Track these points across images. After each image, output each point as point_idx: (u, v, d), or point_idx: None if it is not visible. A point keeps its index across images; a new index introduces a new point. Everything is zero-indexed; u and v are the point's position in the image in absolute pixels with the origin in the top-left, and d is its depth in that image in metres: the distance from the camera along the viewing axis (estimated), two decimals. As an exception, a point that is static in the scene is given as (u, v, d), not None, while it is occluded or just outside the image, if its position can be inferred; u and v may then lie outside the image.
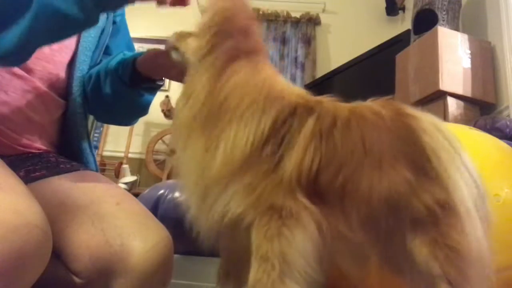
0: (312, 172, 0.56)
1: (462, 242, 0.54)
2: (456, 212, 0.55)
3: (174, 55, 0.74)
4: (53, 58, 0.91)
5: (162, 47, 0.82)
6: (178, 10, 0.78)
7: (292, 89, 0.65)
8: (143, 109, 1.01)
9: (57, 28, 0.69)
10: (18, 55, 0.71)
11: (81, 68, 0.96)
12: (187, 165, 0.63)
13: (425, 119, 0.61)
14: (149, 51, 0.89)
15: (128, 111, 1.01)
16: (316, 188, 0.57)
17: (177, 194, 1.26)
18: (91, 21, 0.72)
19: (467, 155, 0.61)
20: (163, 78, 0.93)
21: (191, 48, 0.68)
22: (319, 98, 0.65)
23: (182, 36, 0.72)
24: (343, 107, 0.62)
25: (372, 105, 0.64)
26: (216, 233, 0.62)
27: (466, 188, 0.57)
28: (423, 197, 0.56)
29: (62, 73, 0.94)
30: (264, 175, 0.56)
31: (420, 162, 0.57)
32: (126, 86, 0.90)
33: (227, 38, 0.64)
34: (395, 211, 0.57)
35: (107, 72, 0.93)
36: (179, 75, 0.83)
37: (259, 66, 0.65)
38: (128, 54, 0.95)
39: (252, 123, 0.58)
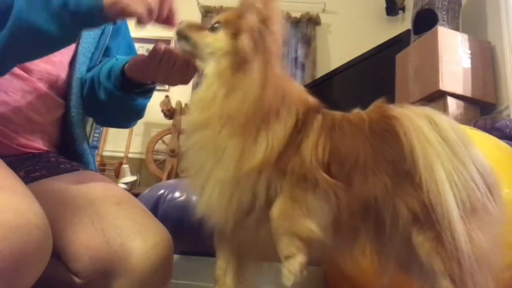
0: (325, 159, 0.62)
1: (450, 238, 0.55)
2: (435, 210, 0.56)
3: (183, 44, 0.73)
4: (53, 59, 0.91)
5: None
6: (173, 17, 0.77)
7: (300, 90, 0.72)
8: (138, 113, 1.00)
9: (35, 45, 0.69)
10: None
11: (81, 69, 0.96)
12: (218, 159, 0.65)
13: (408, 117, 0.63)
14: (135, 57, 0.88)
15: (123, 115, 1.01)
16: (329, 171, 0.62)
17: (177, 194, 1.26)
18: (70, 39, 0.72)
19: (467, 145, 0.61)
20: (155, 82, 0.92)
21: (208, 42, 0.70)
22: (320, 104, 0.71)
23: (192, 26, 0.73)
24: (337, 113, 0.69)
25: (358, 112, 0.68)
26: (231, 225, 0.65)
27: (448, 182, 0.57)
28: (409, 201, 0.59)
29: (62, 74, 0.94)
30: (288, 159, 0.62)
31: (401, 163, 0.60)
32: (118, 93, 0.90)
33: (266, 40, 0.66)
34: (380, 212, 0.61)
35: (100, 79, 0.93)
36: (166, 79, 0.84)
37: (282, 73, 0.70)
38: (120, 59, 0.94)
39: (283, 122, 0.65)
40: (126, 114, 1.00)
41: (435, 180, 0.57)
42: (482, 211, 0.58)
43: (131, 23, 1.16)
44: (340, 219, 0.62)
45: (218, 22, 0.71)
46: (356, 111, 0.70)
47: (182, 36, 0.73)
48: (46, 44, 0.71)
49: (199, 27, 0.73)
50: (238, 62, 0.66)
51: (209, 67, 0.69)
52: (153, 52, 0.81)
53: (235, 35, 0.68)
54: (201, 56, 0.72)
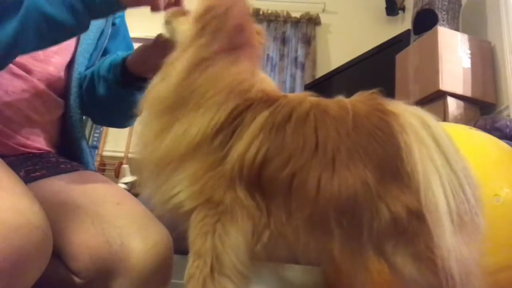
0: (256, 164, 0.55)
1: (436, 252, 0.51)
2: (428, 220, 0.51)
3: (166, 29, 0.73)
4: (52, 59, 0.91)
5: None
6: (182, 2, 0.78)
7: (264, 85, 0.63)
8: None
9: (47, 33, 0.69)
10: (4, 58, 0.71)
11: (79, 69, 0.96)
12: (144, 141, 0.62)
13: (408, 115, 0.57)
14: (137, 47, 0.88)
15: (122, 112, 0.99)
16: (259, 181, 0.56)
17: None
18: (82, 27, 0.72)
19: (457, 152, 0.56)
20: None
21: (181, 28, 0.67)
22: (293, 94, 0.64)
23: (177, 12, 0.71)
24: (308, 102, 0.60)
25: (346, 100, 0.61)
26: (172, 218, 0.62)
27: (442, 191, 0.52)
28: (391, 204, 0.53)
29: (62, 74, 0.94)
30: (211, 166, 0.56)
31: (392, 164, 0.53)
32: (118, 87, 0.90)
33: (218, 30, 0.61)
34: (354, 215, 0.54)
35: (100, 72, 0.92)
36: None
37: (238, 61, 0.62)
38: (120, 54, 0.94)
39: (208, 114, 0.57)
40: (124, 111, 0.98)
41: (431, 187, 0.52)
42: (470, 226, 0.53)
43: (130, 24, 1.17)
44: (276, 240, 0.56)
45: None
46: (340, 98, 0.62)
47: (167, 22, 0.72)
48: (60, 32, 0.70)
49: (183, 13, 0.71)
50: (182, 51, 0.63)
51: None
52: (157, 40, 0.80)
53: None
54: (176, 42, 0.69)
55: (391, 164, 0.54)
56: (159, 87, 0.62)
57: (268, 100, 0.59)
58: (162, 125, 0.59)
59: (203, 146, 0.56)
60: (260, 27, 0.74)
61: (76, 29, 0.72)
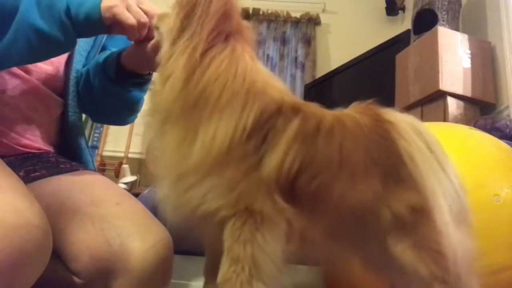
0: (291, 174, 0.56)
1: (442, 243, 0.55)
2: (432, 216, 0.55)
3: (156, 35, 0.72)
4: (52, 59, 0.91)
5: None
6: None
7: (272, 82, 0.63)
8: (134, 106, 0.99)
9: (38, 48, 0.70)
10: None
11: (77, 68, 0.96)
12: (163, 151, 0.61)
13: (403, 123, 0.61)
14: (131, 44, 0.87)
15: (118, 108, 0.99)
16: (292, 190, 0.57)
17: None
18: (70, 43, 0.74)
19: (448, 159, 0.61)
20: (151, 73, 0.92)
21: (166, 29, 0.66)
22: (302, 101, 0.64)
23: (164, 15, 0.70)
24: (328, 113, 0.62)
25: (352, 112, 0.63)
26: (187, 223, 0.62)
27: (441, 191, 0.57)
28: (394, 205, 0.56)
29: (60, 73, 0.94)
30: (246, 172, 0.56)
31: (395, 168, 0.58)
32: (112, 82, 0.90)
33: (203, 20, 0.60)
34: (362, 220, 0.58)
35: (95, 69, 0.93)
36: None
37: (238, 53, 0.62)
38: (115, 50, 0.94)
39: (233, 117, 0.56)
40: (121, 108, 0.99)
41: (433, 188, 0.56)
42: (464, 224, 0.58)
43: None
44: (303, 247, 0.58)
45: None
46: (347, 112, 0.64)
47: (155, 27, 0.71)
48: (50, 47, 0.72)
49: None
50: (172, 45, 0.62)
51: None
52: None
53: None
54: None
55: (393, 169, 0.58)
56: (162, 94, 0.61)
57: (293, 105, 0.59)
58: (180, 133, 0.58)
59: (235, 151, 0.56)
60: (247, 23, 0.71)
61: (65, 44, 0.73)
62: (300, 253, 0.59)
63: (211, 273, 0.68)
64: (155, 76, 0.67)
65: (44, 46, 0.71)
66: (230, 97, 0.57)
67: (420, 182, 0.56)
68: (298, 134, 0.57)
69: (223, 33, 0.61)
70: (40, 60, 0.80)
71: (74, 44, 0.75)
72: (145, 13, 0.73)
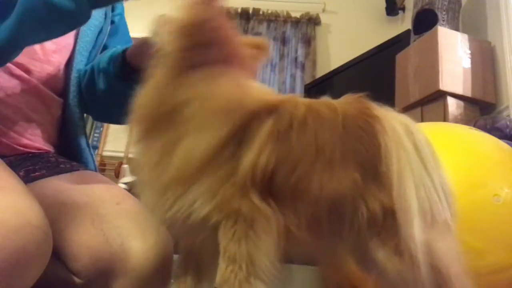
0: (267, 172, 0.57)
1: (407, 246, 0.54)
2: (398, 215, 0.55)
3: (155, 38, 0.71)
4: (51, 59, 0.91)
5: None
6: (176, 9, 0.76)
7: (256, 95, 0.63)
8: None
9: (48, 20, 0.67)
10: (9, 50, 0.70)
11: (78, 68, 0.96)
12: (144, 159, 0.62)
13: (393, 121, 0.60)
14: (137, 39, 0.86)
15: (121, 106, 0.99)
16: (271, 189, 0.58)
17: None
18: (83, 14, 0.70)
19: (435, 160, 0.60)
20: None
21: (165, 38, 0.66)
22: (284, 97, 0.64)
23: (165, 20, 0.69)
24: (302, 105, 0.62)
25: (334, 101, 0.63)
26: (176, 230, 0.63)
27: (415, 191, 0.56)
28: (369, 201, 0.57)
29: (60, 73, 0.94)
30: (224, 178, 0.57)
31: (372, 164, 0.57)
32: (117, 80, 0.89)
33: (198, 43, 0.61)
34: (342, 212, 0.58)
35: (100, 66, 0.92)
36: None
37: (222, 78, 0.63)
38: (120, 46, 0.93)
39: (210, 131, 0.58)
40: (124, 105, 0.98)
41: (403, 186, 0.56)
42: (443, 225, 0.57)
43: (130, 24, 1.17)
44: (289, 244, 0.58)
45: None
46: (326, 99, 0.64)
47: (155, 33, 0.71)
48: (60, 19, 0.68)
49: (171, 22, 0.69)
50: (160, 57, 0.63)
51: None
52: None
53: None
54: None
55: (371, 163, 0.57)
56: (143, 98, 0.62)
57: (268, 107, 0.60)
58: (161, 143, 0.59)
59: (214, 160, 0.57)
60: (264, 40, 0.73)
61: (76, 15, 0.69)
62: (288, 250, 0.59)
63: (181, 272, 0.68)
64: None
65: (55, 18, 0.67)
66: (207, 115, 0.59)
67: (392, 181, 0.56)
68: (271, 133, 0.58)
69: (212, 58, 0.62)
70: (55, 36, 0.75)
71: (88, 14, 0.70)
72: None
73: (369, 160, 0.58)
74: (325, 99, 0.64)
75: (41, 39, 0.76)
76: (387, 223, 0.56)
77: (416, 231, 0.54)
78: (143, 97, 0.63)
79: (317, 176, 0.57)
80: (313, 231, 0.59)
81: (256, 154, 0.57)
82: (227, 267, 0.56)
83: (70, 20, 0.71)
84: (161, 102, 0.60)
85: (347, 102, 0.63)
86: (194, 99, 0.60)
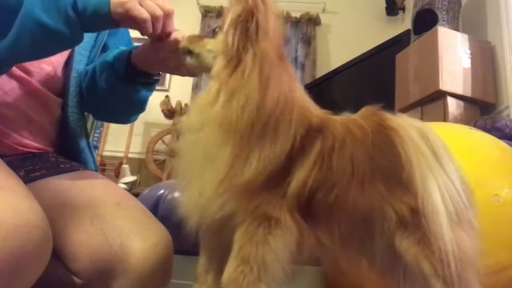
0: (311, 192, 0.60)
1: (437, 244, 0.57)
2: (427, 217, 0.58)
3: (188, 59, 0.72)
4: (51, 59, 0.90)
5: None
6: (178, 12, 0.77)
7: (306, 103, 0.66)
8: (140, 106, 0.99)
9: (43, 42, 0.68)
10: (2, 67, 0.72)
11: (77, 68, 0.96)
12: (212, 161, 0.62)
13: (409, 129, 0.63)
14: (145, 43, 0.86)
15: (124, 107, 0.99)
16: (308, 205, 0.61)
17: (177, 194, 1.25)
18: (76, 39, 0.72)
19: (451, 161, 0.63)
20: (159, 73, 0.91)
21: (207, 50, 0.68)
22: (323, 115, 0.67)
23: (194, 38, 0.72)
24: (339, 125, 0.65)
25: (358, 119, 0.66)
26: (205, 229, 0.64)
27: (439, 193, 0.59)
28: (397, 206, 0.60)
29: (60, 73, 0.94)
30: (270, 187, 0.59)
31: (395, 172, 0.60)
32: (121, 81, 0.89)
33: (258, 40, 0.62)
34: (371, 222, 0.61)
35: (103, 67, 0.92)
36: (176, 67, 0.82)
37: (286, 78, 0.65)
38: (125, 48, 0.93)
39: (279, 143, 0.60)
40: (127, 106, 0.98)
41: (428, 191, 0.59)
42: (466, 224, 0.60)
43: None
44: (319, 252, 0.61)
45: (218, 26, 0.70)
46: (351, 117, 0.67)
47: (186, 51, 0.72)
48: (54, 42, 0.70)
49: (201, 38, 0.72)
50: (230, 61, 0.63)
51: (212, 70, 0.67)
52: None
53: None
54: (207, 66, 0.69)
55: (394, 172, 0.61)
56: (231, 108, 0.61)
57: (317, 127, 0.64)
58: (236, 150, 0.60)
59: (271, 171, 0.60)
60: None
61: (70, 39, 0.71)
62: (311, 256, 0.63)
63: (203, 273, 0.69)
64: (206, 88, 0.66)
65: (49, 41, 0.69)
66: (281, 124, 0.61)
67: (416, 185, 0.59)
68: (319, 154, 0.61)
69: (273, 55, 0.63)
70: (47, 56, 0.78)
71: (81, 39, 0.72)
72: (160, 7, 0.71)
73: (391, 169, 0.61)
74: (350, 117, 0.67)
75: (35, 58, 0.78)
76: (415, 221, 0.59)
77: (445, 231, 0.57)
78: (229, 100, 0.62)
79: (351, 195, 0.60)
80: (344, 241, 0.62)
81: (305, 175, 0.60)
82: (237, 266, 0.58)
83: (64, 43, 0.73)
84: (257, 111, 0.61)
85: (366, 117, 0.66)
86: (276, 105, 0.61)
